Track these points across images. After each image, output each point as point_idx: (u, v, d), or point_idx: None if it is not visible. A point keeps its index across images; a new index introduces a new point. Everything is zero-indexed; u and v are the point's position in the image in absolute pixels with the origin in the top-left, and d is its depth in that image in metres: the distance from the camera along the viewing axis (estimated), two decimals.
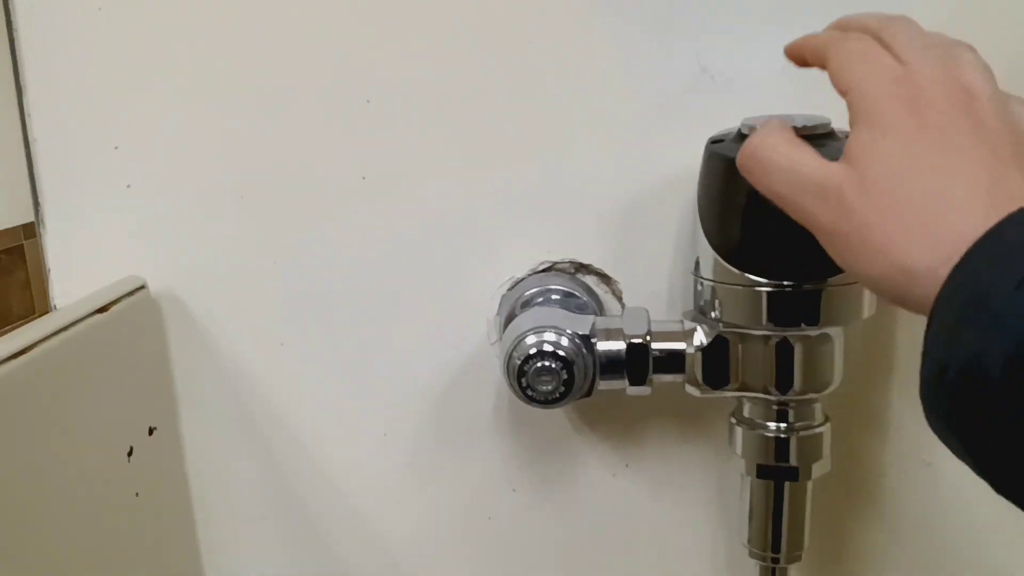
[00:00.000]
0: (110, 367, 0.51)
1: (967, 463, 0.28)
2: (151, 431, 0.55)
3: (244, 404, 0.59)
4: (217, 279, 0.57)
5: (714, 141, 0.47)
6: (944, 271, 0.29)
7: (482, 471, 0.59)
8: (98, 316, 0.51)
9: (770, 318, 0.45)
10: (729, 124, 0.49)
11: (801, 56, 0.40)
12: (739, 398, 0.49)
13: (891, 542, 0.57)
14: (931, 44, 0.36)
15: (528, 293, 0.55)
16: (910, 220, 0.31)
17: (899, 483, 0.56)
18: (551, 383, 0.48)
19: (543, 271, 0.56)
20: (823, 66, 0.38)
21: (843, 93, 0.36)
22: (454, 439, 0.59)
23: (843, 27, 0.40)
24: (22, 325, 0.53)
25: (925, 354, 0.29)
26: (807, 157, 0.36)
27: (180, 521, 0.58)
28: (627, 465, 0.58)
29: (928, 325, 0.29)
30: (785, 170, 0.36)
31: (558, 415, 0.57)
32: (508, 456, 0.58)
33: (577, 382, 0.48)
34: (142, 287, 0.56)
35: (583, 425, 0.57)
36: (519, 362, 0.48)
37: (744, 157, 0.39)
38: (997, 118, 0.33)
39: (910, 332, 0.54)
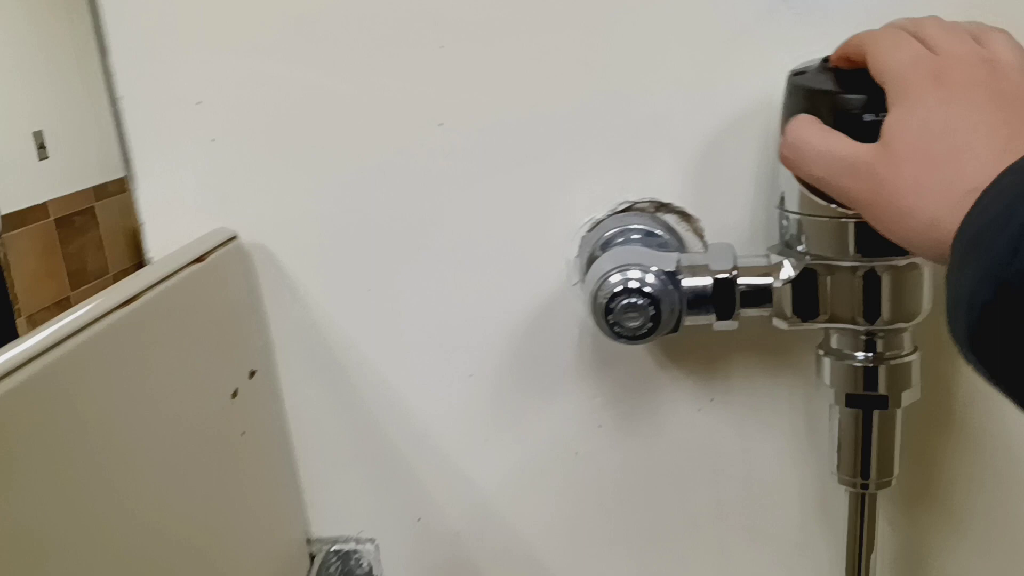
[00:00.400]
0: (208, 314, 0.53)
1: (992, 386, 0.32)
2: (252, 374, 0.57)
3: (335, 349, 0.60)
4: (303, 228, 0.59)
5: (796, 73, 0.47)
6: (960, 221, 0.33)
7: (567, 408, 0.60)
8: (195, 266, 0.52)
9: (858, 249, 0.45)
10: (807, 51, 0.49)
11: (846, 57, 0.44)
12: (826, 330, 0.50)
13: (979, 470, 0.57)
14: (959, 30, 0.40)
15: (608, 233, 0.55)
16: (933, 182, 0.35)
17: (987, 411, 0.56)
18: (638, 319, 0.48)
19: (622, 211, 0.57)
20: (864, 61, 0.42)
21: (881, 82, 0.40)
22: (538, 378, 0.60)
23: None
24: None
25: (947, 294, 0.33)
26: (840, 141, 0.41)
27: (282, 460, 0.61)
28: (712, 400, 0.58)
29: (947, 269, 0.33)
30: (822, 154, 0.41)
31: (642, 351, 0.58)
32: (593, 393, 0.60)
33: (664, 318, 0.48)
34: (233, 238, 0.58)
35: (668, 361, 0.58)
36: (605, 300, 0.49)
37: (785, 148, 0.43)
38: (1020, 85, 0.37)
39: None
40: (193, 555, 0.48)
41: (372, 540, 0.64)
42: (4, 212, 3.21)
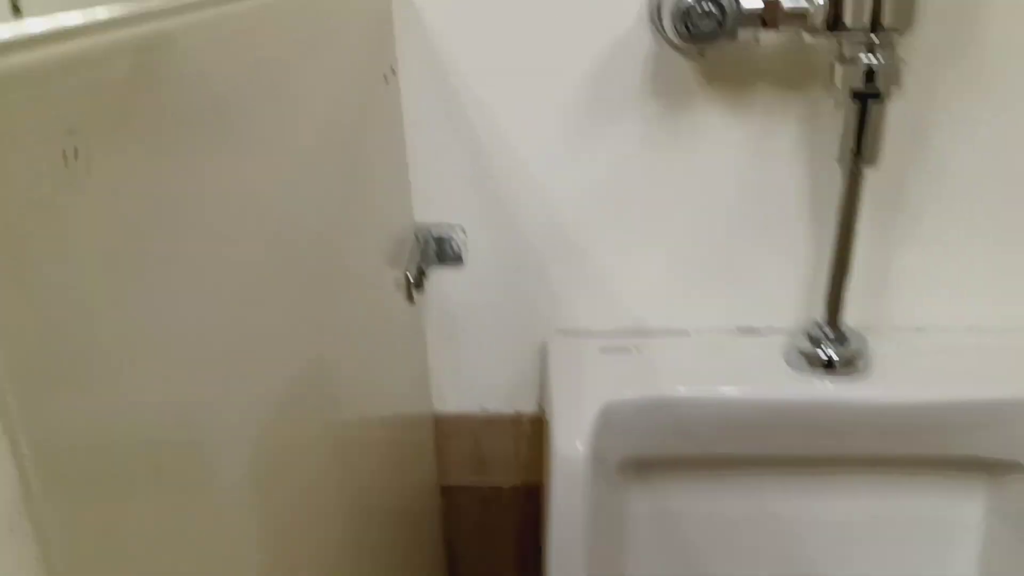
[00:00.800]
0: (369, 15, 0.69)
1: None
2: (392, 70, 0.73)
3: (446, 68, 0.77)
4: None
5: None
6: None
7: (626, 128, 0.78)
8: None
9: None
10: None
11: None
12: (840, 43, 0.68)
13: (936, 183, 0.77)
14: None
15: None
16: None
17: (949, 135, 0.75)
18: (710, 23, 0.66)
19: None
20: None
21: None
22: (606, 103, 0.77)
23: None
24: None
25: None
26: None
27: (401, 153, 0.78)
28: (738, 119, 0.76)
29: None
30: None
31: (689, 81, 0.76)
32: (647, 115, 0.77)
33: (728, 24, 0.66)
34: None
35: (708, 88, 0.76)
36: (686, 7, 0.66)
37: None
38: None
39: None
40: (333, 222, 0.64)
41: (463, 228, 0.81)
42: None
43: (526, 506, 0.90)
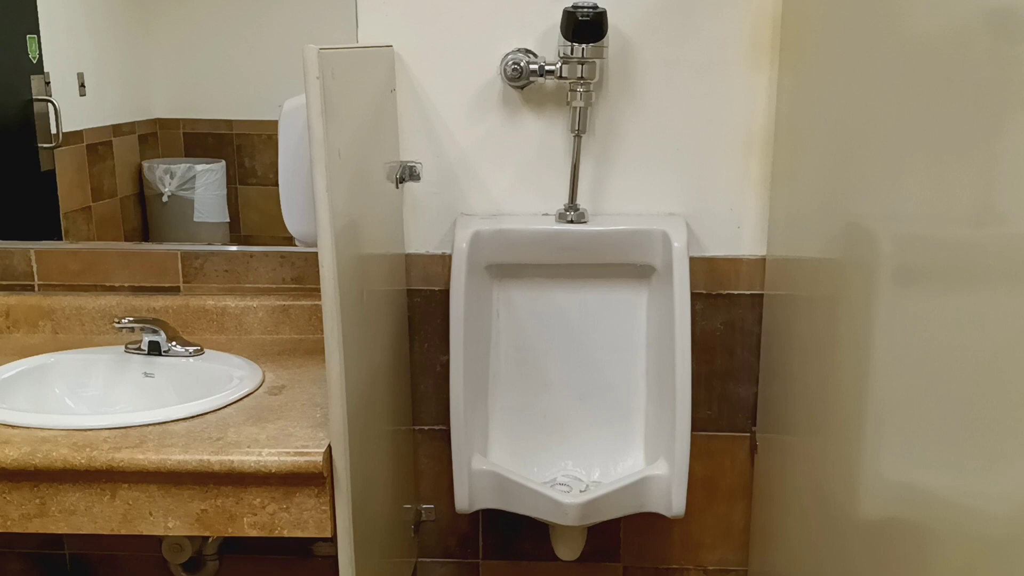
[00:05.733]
0: (383, 61, 1.72)
1: None
2: (392, 89, 1.76)
3: (416, 90, 1.79)
4: None
5: None
6: None
7: (490, 119, 1.80)
8: None
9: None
10: None
11: None
12: (569, 83, 1.71)
13: (614, 145, 1.80)
14: None
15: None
16: None
17: (620, 125, 1.79)
18: (517, 74, 1.70)
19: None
20: None
21: None
22: (484, 109, 1.80)
23: None
24: None
25: None
26: None
27: (395, 128, 1.80)
28: (535, 115, 1.79)
29: None
30: None
31: (516, 100, 1.79)
32: (500, 113, 1.80)
33: (524, 75, 1.70)
34: None
35: (525, 102, 1.79)
36: (508, 69, 1.70)
37: None
38: None
39: None
40: (373, 156, 1.67)
41: (420, 163, 1.82)
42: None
43: (446, 300, 1.89)
